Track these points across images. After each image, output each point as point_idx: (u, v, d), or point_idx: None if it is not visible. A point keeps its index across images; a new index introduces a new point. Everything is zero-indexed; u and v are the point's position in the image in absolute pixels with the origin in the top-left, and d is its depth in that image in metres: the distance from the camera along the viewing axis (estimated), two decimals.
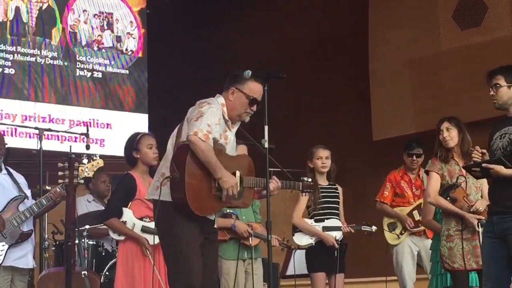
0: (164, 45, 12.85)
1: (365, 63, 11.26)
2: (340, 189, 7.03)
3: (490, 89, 5.55)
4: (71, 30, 11.51)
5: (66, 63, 11.39)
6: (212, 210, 5.05)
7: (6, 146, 6.18)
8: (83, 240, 7.11)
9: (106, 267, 6.89)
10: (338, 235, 6.84)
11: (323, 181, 6.95)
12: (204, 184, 4.90)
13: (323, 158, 6.93)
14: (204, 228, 5.01)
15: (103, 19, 11.86)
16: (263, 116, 5.09)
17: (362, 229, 7.19)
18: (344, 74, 11.70)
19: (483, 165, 5.39)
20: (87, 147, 6.75)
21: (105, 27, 11.87)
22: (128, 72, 11.97)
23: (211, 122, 4.90)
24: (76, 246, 6.72)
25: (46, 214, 6.90)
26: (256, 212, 6.93)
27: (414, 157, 7.61)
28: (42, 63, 11.16)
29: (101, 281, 6.71)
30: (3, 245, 5.88)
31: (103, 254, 7.26)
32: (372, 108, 11.16)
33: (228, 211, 6.51)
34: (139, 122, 11.63)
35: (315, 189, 6.55)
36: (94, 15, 11.79)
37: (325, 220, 6.86)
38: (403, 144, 7.82)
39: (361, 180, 10.95)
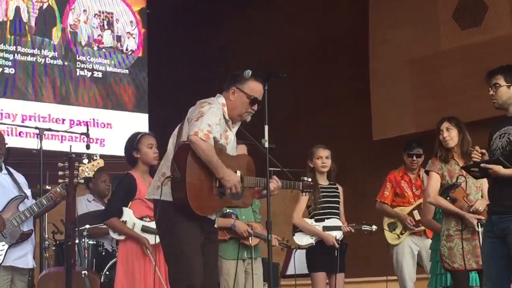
0: (164, 45, 12.86)
1: (365, 63, 11.26)
2: (340, 189, 7.03)
3: (490, 88, 5.56)
4: (71, 30, 11.51)
5: (66, 63, 11.39)
6: (213, 210, 5.05)
7: (7, 145, 6.18)
8: (83, 239, 7.11)
9: (106, 267, 6.89)
10: (338, 234, 6.84)
11: (323, 181, 6.95)
12: (205, 184, 4.91)
13: (323, 158, 6.93)
14: (204, 228, 5.01)
15: (103, 19, 11.86)
16: (263, 116, 5.09)
17: (363, 228, 7.19)
18: (344, 74, 11.70)
19: (482, 165, 5.40)
20: (87, 147, 6.75)
21: (105, 27, 11.87)
22: (128, 72, 11.97)
23: (211, 122, 4.90)
24: (76, 245, 6.72)
25: (46, 213, 6.90)
26: (255, 212, 6.93)
27: (414, 157, 7.61)
28: (42, 62, 11.16)
29: (101, 280, 6.71)
30: (3, 245, 5.88)
31: (103, 253, 7.26)
32: (372, 108, 11.17)
33: (228, 211, 6.52)
34: (139, 122, 11.63)
35: (315, 188, 6.54)
36: (94, 14, 11.79)
37: (325, 219, 6.86)
38: (403, 144, 7.82)
39: (361, 180, 10.95)
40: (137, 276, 5.94)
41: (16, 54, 10.95)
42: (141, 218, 6.03)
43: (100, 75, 11.67)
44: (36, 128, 7.16)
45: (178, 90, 12.57)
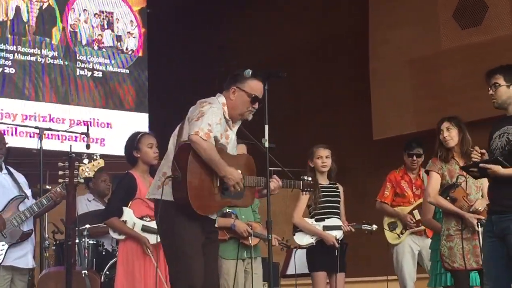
0: (164, 45, 12.86)
1: (365, 63, 11.26)
2: (341, 188, 7.03)
3: (489, 88, 5.56)
4: (72, 30, 11.51)
5: (66, 63, 11.39)
6: (214, 209, 5.06)
7: (7, 145, 6.17)
8: (83, 239, 7.11)
9: (107, 267, 6.89)
10: (338, 234, 6.84)
11: (323, 180, 6.95)
12: (206, 183, 4.91)
13: (323, 157, 6.93)
14: (205, 227, 5.01)
15: (103, 18, 11.86)
16: (264, 116, 5.10)
17: (363, 228, 7.18)
18: (344, 74, 11.70)
19: (480, 165, 5.40)
20: (88, 147, 6.74)
21: (106, 27, 11.87)
22: (128, 72, 11.97)
23: (212, 121, 4.91)
24: (76, 245, 6.72)
25: (47, 213, 6.90)
26: (255, 212, 6.93)
27: (414, 157, 7.61)
28: (42, 62, 11.16)
29: (102, 280, 6.71)
30: (3, 245, 5.88)
31: (104, 253, 7.26)
32: (372, 108, 11.17)
33: (227, 210, 6.52)
34: (140, 122, 11.64)
35: (316, 188, 6.55)
36: (95, 14, 11.79)
37: (326, 219, 6.86)
38: (403, 144, 7.82)
39: (361, 179, 10.95)
40: (137, 275, 5.94)
41: (16, 54, 10.95)
42: (141, 218, 6.03)
43: (100, 75, 11.67)
44: (36, 127, 7.14)
45: (178, 90, 12.57)
